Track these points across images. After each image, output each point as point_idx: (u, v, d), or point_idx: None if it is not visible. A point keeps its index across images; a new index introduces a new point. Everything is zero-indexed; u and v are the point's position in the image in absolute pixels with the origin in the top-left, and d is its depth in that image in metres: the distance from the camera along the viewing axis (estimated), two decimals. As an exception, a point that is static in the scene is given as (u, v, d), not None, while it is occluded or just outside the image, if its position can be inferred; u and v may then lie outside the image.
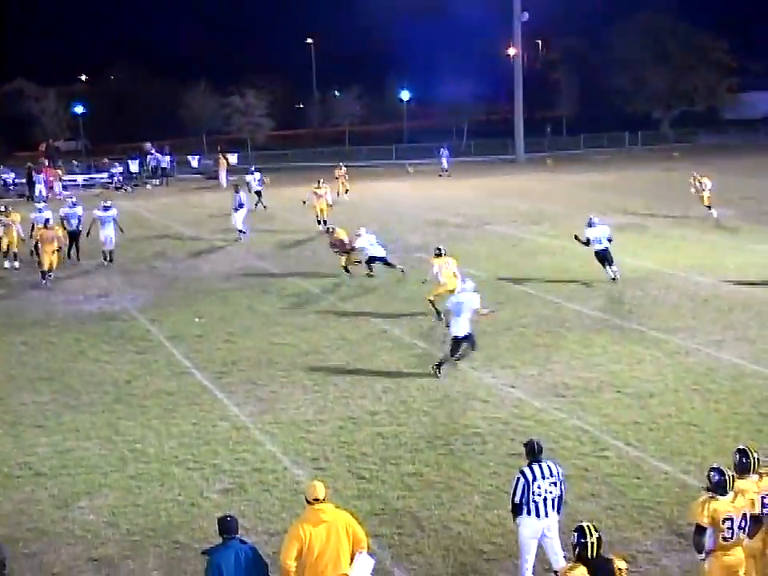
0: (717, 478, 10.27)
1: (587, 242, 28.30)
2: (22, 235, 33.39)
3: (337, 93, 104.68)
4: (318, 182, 40.46)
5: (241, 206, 37.99)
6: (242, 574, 9.65)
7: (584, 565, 8.99)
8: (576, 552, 9.12)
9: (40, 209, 34.99)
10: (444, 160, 65.22)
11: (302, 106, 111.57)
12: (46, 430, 17.61)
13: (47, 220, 30.50)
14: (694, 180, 40.10)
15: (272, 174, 64.17)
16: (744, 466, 10.71)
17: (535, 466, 11.41)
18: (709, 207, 39.38)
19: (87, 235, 33.76)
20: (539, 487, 11.27)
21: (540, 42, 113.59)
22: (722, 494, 10.21)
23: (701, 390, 18.44)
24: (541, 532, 11.48)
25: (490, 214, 42.94)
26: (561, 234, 34.85)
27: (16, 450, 16.75)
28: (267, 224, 42.45)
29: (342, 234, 30.12)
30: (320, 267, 31.95)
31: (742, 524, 10.28)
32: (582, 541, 9.08)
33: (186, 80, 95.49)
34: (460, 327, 19.51)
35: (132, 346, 23.21)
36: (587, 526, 9.20)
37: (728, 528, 10.18)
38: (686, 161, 66.58)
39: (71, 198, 36.33)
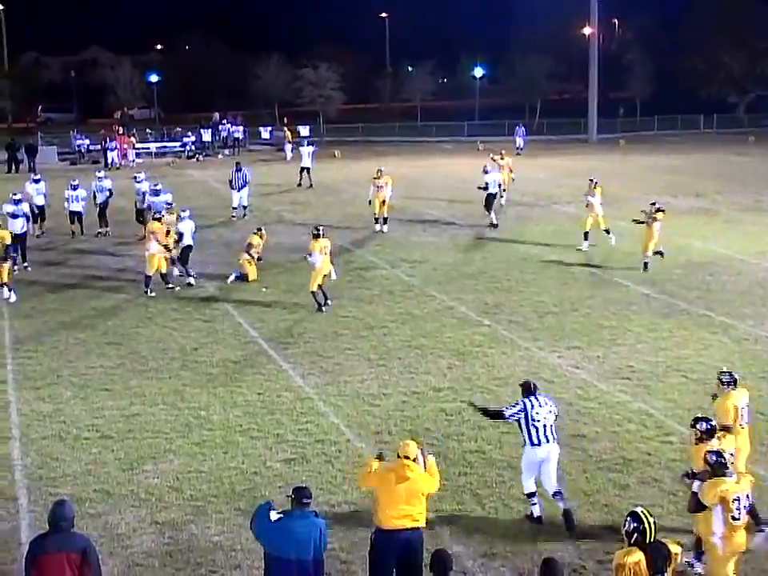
0: (714, 459, 10.55)
1: (486, 186, 33.26)
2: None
3: (410, 68, 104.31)
4: (378, 170, 34.78)
5: (245, 183, 37.37)
6: (305, 544, 9.68)
7: (641, 550, 8.97)
8: (633, 538, 9.07)
9: (100, 177, 35.11)
10: (519, 139, 64.87)
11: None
12: (114, 394, 17.88)
13: (159, 211, 27.37)
14: (590, 187, 30.53)
15: (342, 148, 64.42)
16: (709, 432, 11.62)
17: (532, 398, 12.70)
18: (607, 231, 30.37)
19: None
20: (537, 414, 12.49)
21: (616, 21, 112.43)
22: (725, 475, 10.43)
23: (769, 378, 18.27)
24: (541, 458, 12.52)
25: (559, 194, 42.57)
26: (630, 215, 34.43)
27: (84, 412, 17.03)
28: (334, 196, 42.55)
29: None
30: (387, 241, 32.00)
31: (746, 504, 10.50)
32: (640, 527, 9.04)
33: (259, 51, 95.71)
34: None
35: (199, 314, 23.45)
36: (641, 511, 9.19)
37: (736, 508, 10.33)
38: (761, 146, 65.70)
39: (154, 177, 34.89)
